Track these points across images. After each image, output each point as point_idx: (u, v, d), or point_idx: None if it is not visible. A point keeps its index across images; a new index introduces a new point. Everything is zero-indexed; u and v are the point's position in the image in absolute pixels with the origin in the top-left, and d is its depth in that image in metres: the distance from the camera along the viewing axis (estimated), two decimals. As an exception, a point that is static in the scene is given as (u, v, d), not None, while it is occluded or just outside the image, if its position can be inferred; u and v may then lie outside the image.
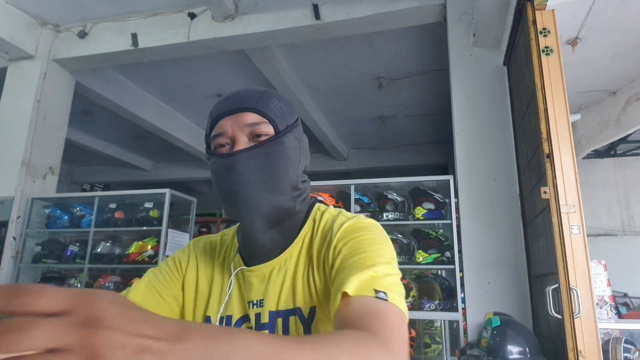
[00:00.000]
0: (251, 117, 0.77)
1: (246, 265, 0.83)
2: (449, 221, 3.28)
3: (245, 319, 0.81)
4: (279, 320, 0.78)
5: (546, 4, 2.25)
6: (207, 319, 0.83)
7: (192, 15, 4.07)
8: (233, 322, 0.81)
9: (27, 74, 4.40)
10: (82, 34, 4.39)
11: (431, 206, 3.43)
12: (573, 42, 2.96)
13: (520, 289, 2.86)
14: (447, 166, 7.81)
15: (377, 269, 0.66)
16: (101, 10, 4.24)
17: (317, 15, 3.73)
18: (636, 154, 5.65)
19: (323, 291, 0.77)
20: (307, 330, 0.76)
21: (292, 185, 0.79)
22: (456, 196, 3.18)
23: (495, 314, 2.52)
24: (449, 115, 3.46)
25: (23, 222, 4.18)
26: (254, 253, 0.80)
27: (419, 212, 3.43)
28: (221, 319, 0.82)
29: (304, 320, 0.76)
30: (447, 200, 3.38)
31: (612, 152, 5.55)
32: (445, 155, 7.72)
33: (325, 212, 0.87)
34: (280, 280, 0.80)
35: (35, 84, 4.32)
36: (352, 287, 0.61)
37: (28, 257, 4.21)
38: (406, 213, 3.50)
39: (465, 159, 3.18)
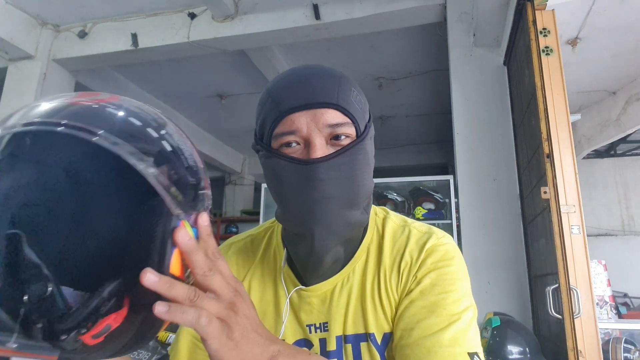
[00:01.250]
0: (333, 116, 0.63)
1: (301, 281, 0.71)
2: (449, 221, 3.28)
3: (302, 343, 0.70)
4: (348, 347, 0.68)
5: (546, 4, 2.25)
6: None
7: (192, 15, 4.07)
8: None
9: (26, 74, 4.39)
10: (82, 34, 4.39)
11: (431, 206, 3.43)
12: (573, 42, 2.95)
13: (520, 289, 2.86)
14: (447, 166, 7.81)
15: (464, 320, 0.62)
16: (101, 10, 4.24)
17: (317, 15, 3.73)
18: (636, 154, 5.65)
19: (394, 316, 0.68)
20: (382, 359, 0.66)
21: (367, 196, 0.68)
22: (456, 196, 3.18)
23: (495, 314, 2.52)
24: (449, 115, 3.46)
25: (23, 222, 4.17)
26: (317, 272, 0.68)
27: (419, 212, 3.43)
28: None
29: (378, 348, 0.67)
30: (447, 200, 3.39)
31: (612, 152, 5.55)
32: (445, 155, 7.71)
33: (388, 220, 0.76)
34: (345, 300, 0.70)
35: (35, 84, 4.32)
36: (445, 343, 0.59)
37: (28, 257, 4.21)
38: (406, 213, 3.50)
39: (465, 159, 3.18)
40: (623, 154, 5.63)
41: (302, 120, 0.62)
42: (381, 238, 0.74)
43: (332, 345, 0.68)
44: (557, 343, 2.12)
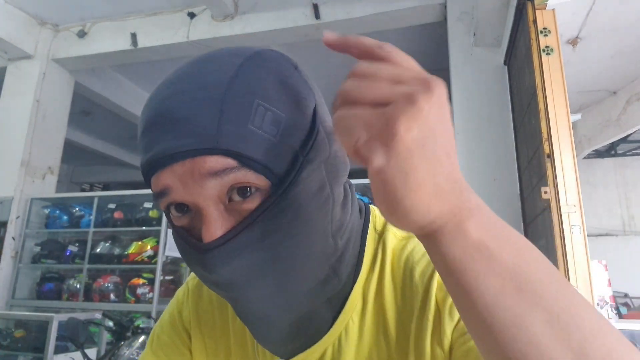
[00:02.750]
0: (214, 163, 0.38)
1: (278, 354, 0.51)
2: (449, 221, 3.28)
3: None
4: None
5: (546, 4, 2.25)
6: None
7: (192, 15, 4.06)
8: None
9: (26, 74, 4.39)
10: (82, 34, 4.38)
11: (431, 206, 3.43)
12: (573, 42, 2.95)
13: (520, 289, 2.85)
14: (447, 166, 7.80)
15: None
16: (100, 9, 4.23)
17: (317, 15, 3.73)
18: (637, 154, 5.64)
19: None
20: None
21: (331, 258, 0.45)
22: (456, 196, 3.17)
23: (495, 314, 2.51)
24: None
25: (22, 222, 4.17)
26: (286, 348, 0.50)
27: (419, 212, 3.43)
28: None
29: None
30: (447, 200, 3.38)
31: (613, 152, 5.54)
32: (445, 155, 7.71)
33: (387, 238, 0.53)
34: None
35: (35, 83, 4.32)
36: None
37: (27, 257, 4.21)
38: (406, 213, 3.50)
39: (465, 158, 3.18)
40: (624, 154, 5.63)
41: (172, 180, 0.40)
42: (384, 270, 0.51)
43: None
44: (557, 343, 2.11)
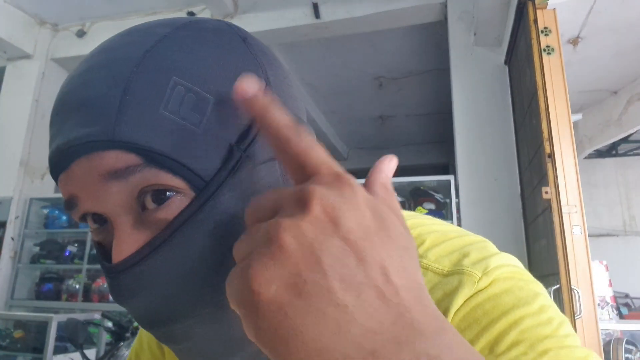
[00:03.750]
0: (114, 160, 0.30)
1: None
2: (449, 221, 3.27)
3: None
4: None
5: (547, 3, 2.24)
6: None
7: (191, 14, 4.06)
8: None
9: (25, 74, 4.39)
10: (81, 33, 4.38)
11: (432, 206, 3.42)
12: (574, 42, 2.94)
13: (521, 290, 2.84)
14: (447, 166, 7.80)
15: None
16: (100, 9, 4.23)
17: (317, 14, 3.72)
18: (638, 154, 5.63)
19: None
20: None
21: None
22: (457, 196, 3.16)
23: (496, 315, 2.50)
24: (450, 115, 3.45)
25: (21, 223, 4.16)
26: None
27: (420, 212, 3.42)
28: None
29: None
30: (447, 201, 3.37)
31: (614, 152, 5.53)
32: (445, 155, 7.71)
33: None
34: None
35: (34, 83, 4.31)
36: None
37: (26, 257, 4.20)
38: (406, 213, 3.49)
39: (466, 158, 3.17)
40: (625, 154, 5.62)
41: (73, 185, 0.31)
42: None
43: None
44: (558, 344, 2.11)
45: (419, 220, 0.43)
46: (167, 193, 0.30)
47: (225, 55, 0.33)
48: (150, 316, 0.32)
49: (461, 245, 0.40)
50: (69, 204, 0.33)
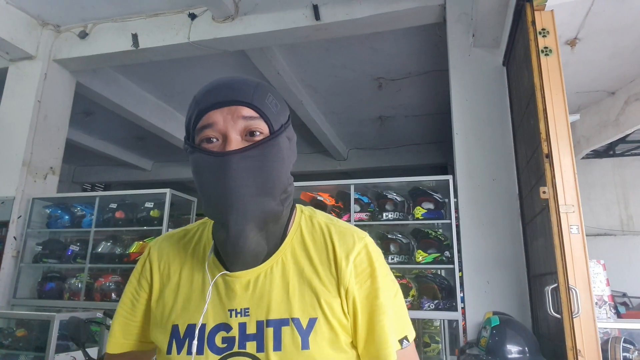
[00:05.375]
0: (247, 111, 0.71)
1: (226, 269, 0.76)
2: (448, 221, 3.29)
3: (221, 327, 0.73)
4: (269, 330, 0.72)
5: (545, 5, 2.26)
6: (173, 329, 0.76)
7: (193, 16, 4.08)
8: (207, 330, 0.74)
9: (27, 75, 4.40)
10: (83, 35, 4.40)
11: (431, 206, 3.44)
12: (572, 43, 2.96)
13: (519, 289, 2.87)
14: (446, 166, 7.82)
15: (408, 322, 0.80)
16: (102, 10, 4.25)
17: (317, 16, 3.74)
18: (635, 154, 5.66)
19: (328, 305, 0.73)
20: (306, 342, 0.71)
21: (282, 189, 0.74)
22: (455, 196, 3.19)
23: (494, 313, 2.53)
24: (449, 115, 3.47)
25: (24, 222, 4.18)
26: (238, 258, 0.73)
27: (419, 212, 3.44)
28: (191, 327, 0.75)
29: (302, 331, 0.71)
30: (446, 200, 3.39)
31: (611, 152, 5.56)
32: (444, 155, 7.73)
33: (314, 218, 0.83)
34: (268, 287, 0.75)
35: (36, 84, 4.33)
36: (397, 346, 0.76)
37: (29, 257, 4.22)
38: (406, 213, 3.51)
39: (465, 159, 3.19)
40: (622, 154, 5.64)
41: (219, 116, 0.70)
42: (309, 234, 0.80)
43: (252, 329, 0.72)
44: (556, 342, 2.13)
45: (327, 214, 0.88)
46: (257, 133, 0.72)
47: (279, 96, 0.78)
48: (237, 175, 0.69)
49: (349, 225, 0.85)
50: (208, 125, 0.71)
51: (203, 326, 0.74)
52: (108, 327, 2.86)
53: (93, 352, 3.00)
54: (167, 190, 4.02)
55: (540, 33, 2.25)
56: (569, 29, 2.80)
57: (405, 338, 0.77)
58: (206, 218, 0.86)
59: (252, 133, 0.71)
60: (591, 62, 3.31)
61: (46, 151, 4.38)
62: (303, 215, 0.84)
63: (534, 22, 2.28)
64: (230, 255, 0.73)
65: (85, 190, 9.91)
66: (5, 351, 3.43)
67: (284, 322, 0.72)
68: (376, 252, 0.80)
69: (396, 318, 0.77)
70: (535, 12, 2.29)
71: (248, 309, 0.74)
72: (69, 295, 4.06)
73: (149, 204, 4.12)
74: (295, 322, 0.72)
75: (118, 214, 4.19)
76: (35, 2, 4.16)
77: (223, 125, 0.70)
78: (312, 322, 0.72)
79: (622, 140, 4.83)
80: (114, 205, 4.25)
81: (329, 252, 0.78)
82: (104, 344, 3.23)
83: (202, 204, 0.75)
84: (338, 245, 0.78)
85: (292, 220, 0.81)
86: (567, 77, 2.25)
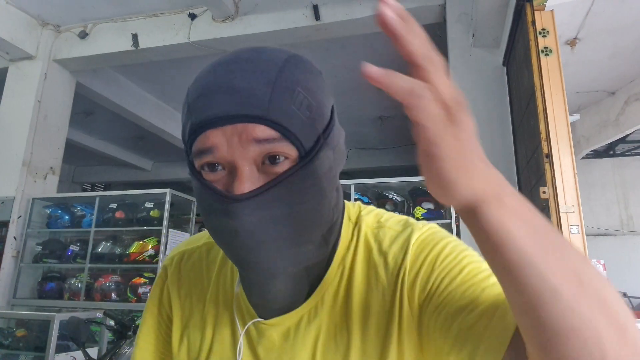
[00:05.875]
0: (262, 131, 0.46)
1: (258, 313, 0.59)
2: (448, 221, 3.29)
3: None
4: None
5: (545, 5, 2.26)
6: None
7: (193, 16, 4.08)
8: None
9: (27, 75, 4.40)
10: (83, 35, 4.39)
11: (431, 206, 3.44)
12: (572, 43, 2.96)
13: (519, 289, 2.86)
14: (446, 166, 7.81)
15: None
16: (102, 10, 4.25)
17: (317, 16, 3.74)
18: (635, 154, 5.66)
19: (401, 352, 0.54)
20: None
21: (325, 228, 0.54)
22: (456, 196, 3.18)
23: (494, 313, 2.52)
24: (449, 115, 3.47)
25: (24, 222, 4.18)
26: (268, 307, 0.57)
27: (419, 212, 3.44)
28: None
29: None
30: (446, 200, 3.39)
31: (611, 152, 5.56)
32: (445, 155, 7.71)
33: (362, 224, 0.61)
34: (313, 336, 0.57)
35: (36, 84, 4.33)
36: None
37: (29, 257, 4.22)
38: (406, 213, 3.51)
39: (465, 159, 3.18)
40: (622, 154, 5.65)
41: (220, 139, 0.47)
42: (357, 253, 0.59)
43: None
44: (555, 342, 2.12)
45: (375, 208, 0.66)
46: (281, 157, 0.48)
47: (316, 79, 0.52)
48: (255, 229, 0.47)
49: (403, 218, 0.62)
50: (207, 150, 0.47)
51: None
52: (108, 327, 2.86)
53: (93, 352, 3.00)
54: (167, 190, 4.02)
55: (540, 33, 2.25)
56: (569, 29, 2.80)
57: None
58: None
59: (273, 158, 0.48)
60: (591, 62, 3.31)
61: (46, 151, 4.38)
62: (350, 222, 0.62)
63: (534, 22, 2.28)
64: (260, 303, 0.57)
65: (85, 190, 9.91)
66: (5, 351, 3.43)
67: None
68: (440, 236, 0.57)
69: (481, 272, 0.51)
70: (535, 12, 2.29)
71: None
72: (69, 295, 4.07)
73: (149, 204, 4.12)
74: None
75: (118, 214, 4.19)
76: (35, 2, 4.16)
77: (228, 152, 0.47)
78: None
79: (622, 140, 4.83)
80: (114, 205, 4.25)
81: (380, 269, 0.57)
82: (103, 344, 3.23)
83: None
84: (391, 255, 0.57)
85: (339, 238, 0.60)
86: (567, 77, 2.25)
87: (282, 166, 0.48)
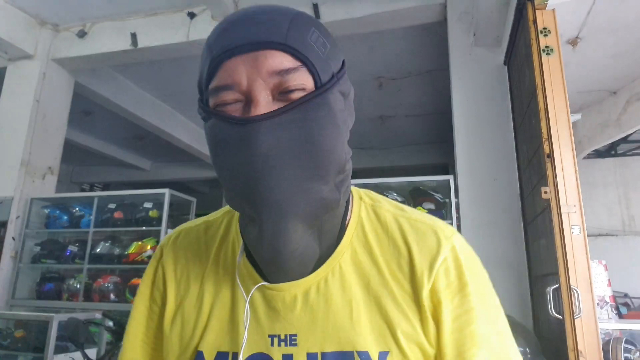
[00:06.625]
0: (280, 60, 0.48)
1: (265, 278, 0.56)
2: (449, 221, 3.27)
3: (258, 358, 0.54)
4: None
5: (547, 4, 2.25)
6: (198, 356, 0.56)
7: (192, 15, 4.06)
8: None
9: (26, 74, 4.39)
10: (82, 34, 4.38)
11: (431, 206, 3.42)
12: (573, 42, 2.95)
13: (520, 289, 2.85)
14: (447, 166, 7.80)
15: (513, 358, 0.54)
16: (100, 9, 4.23)
17: (317, 15, 3.73)
18: (637, 154, 5.64)
19: (404, 333, 0.53)
20: None
21: (338, 168, 0.52)
22: (456, 196, 3.17)
23: (495, 314, 2.51)
24: (449, 115, 3.46)
25: (22, 222, 4.17)
26: (277, 268, 0.52)
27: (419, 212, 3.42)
28: (222, 355, 0.56)
29: None
30: (447, 200, 3.38)
31: (613, 152, 5.55)
32: (445, 155, 7.71)
33: (379, 208, 0.61)
34: (323, 307, 0.54)
35: (35, 83, 4.32)
36: None
37: (27, 257, 4.21)
38: (406, 213, 3.49)
39: (466, 158, 3.18)
40: (624, 154, 5.63)
41: (239, 69, 0.48)
42: (372, 231, 0.58)
43: None
44: (557, 343, 2.11)
45: (395, 202, 0.64)
46: (298, 90, 0.49)
47: (326, 29, 0.55)
48: (270, 152, 0.47)
49: (432, 219, 0.62)
50: (226, 85, 0.49)
51: (234, 355, 0.55)
52: (107, 328, 2.85)
53: (92, 353, 2.99)
54: (166, 190, 4.01)
55: (541, 32, 2.24)
56: (571, 28, 2.79)
57: None
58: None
59: (288, 91, 0.49)
60: (593, 62, 3.30)
61: (45, 151, 4.37)
62: (363, 203, 0.61)
63: (535, 21, 2.26)
64: (268, 262, 0.52)
65: (83, 190, 9.90)
66: (4, 352, 3.42)
67: (346, 356, 0.52)
68: (469, 257, 0.58)
69: (496, 354, 0.53)
70: (537, 11, 2.27)
71: (296, 335, 0.54)
72: (67, 295, 4.05)
73: (147, 204, 4.11)
74: (363, 356, 0.52)
75: (117, 214, 4.18)
76: (33, 1, 4.15)
77: (247, 82, 0.48)
78: (383, 356, 0.52)
79: (624, 140, 4.82)
80: (112, 206, 4.23)
81: (402, 259, 0.56)
82: (102, 345, 3.22)
83: (223, 189, 0.54)
84: (416, 250, 0.56)
85: (350, 212, 0.59)
86: (568, 77, 2.24)
87: (298, 94, 0.49)
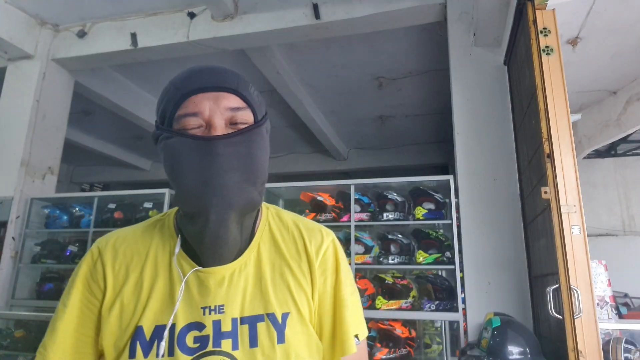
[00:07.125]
0: (233, 100, 0.71)
1: (198, 264, 0.74)
2: (449, 221, 3.27)
3: (193, 326, 0.70)
4: (244, 328, 0.71)
5: (547, 4, 2.25)
6: (138, 330, 0.70)
7: (192, 15, 4.06)
8: (177, 330, 0.70)
9: (26, 74, 4.39)
10: (82, 34, 4.38)
11: (431, 206, 3.42)
12: (573, 42, 2.95)
13: (520, 289, 2.85)
14: (447, 166, 7.80)
15: (363, 320, 0.83)
16: (100, 9, 4.23)
17: (317, 15, 3.73)
18: (637, 154, 5.65)
19: (300, 298, 0.76)
20: (282, 336, 0.71)
21: (263, 180, 0.74)
22: (456, 196, 3.17)
23: (495, 314, 2.51)
24: (449, 115, 3.46)
25: (22, 222, 4.17)
26: (215, 251, 0.70)
27: (419, 212, 3.42)
28: (160, 328, 0.70)
29: (278, 326, 0.72)
30: (447, 200, 3.38)
31: (613, 152, 5.55)
32: (445, 155, 7.71)
33: (281, 214, 0.85)
34: (243, 284, 0.74)
35: (35, 83, 4.32)
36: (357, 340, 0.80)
37: (27, 257, 4.20)
38: (406, 213, 3.49)
39: (466, 159, 3.17)
40: (624, 154, 5.63)
41: (204, 103, 0.69)
42: (277, 229, 0.82)
43: (227, 326, 0.71)
44: (557, 343, 2.11)
45: (289, 212, 0.89)
46: (242, 123, 0.72)
47: (256, 90, 0.79)
48: (223, 162, 0.68)
49: (315, 223, 0.89)
50: (193, 114, 0.70)
51: (172, 326, 0.70)
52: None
53: (91, 353, 2.98)
54: (166, 190, 4.01)
55: (541, 32, 2.24)
56: (571, 28, 2.79)
57: (357, 336, 0.80)
58: (161, 214, 0.84)
59: (236, 123, 0.71)
60: (593, 62, 3.30)
61: (44, 151, 4.37)
62: (269, 211, 0.85)
63: (535, 21, 2.26)
64: (208, 247, 0.70)
65: (83, 190, 9.90)
66: (4, 352, 3.42)
67: (259, 318, 0.72)
68: (341, 248, 0.84)
69: (355, 313, 0.80)
70: (537, 11, 2.27)
71: (223, 305, 0.72)
72: (67, 295, 4.04)
73: (147, 204, 4.11)
74: (271, 317, 0.72)
75: (117, 214, 4.17)
76: (33, 1, 4.14)
77: (208, 113, 0.69)
78: (285, 316, 0.73)
79: (624, 140, 4.82)
80: (112, 206, 4.23)
81: (299, 247, 0.80)
82: (102, 345, 3.21)
83: (176, 192, 0.71)
84: (308, 241, 0.81)
85: (260, 215, 0.82)
86: (568, 77, 2.24)
87: (243, 125, 0.72)
